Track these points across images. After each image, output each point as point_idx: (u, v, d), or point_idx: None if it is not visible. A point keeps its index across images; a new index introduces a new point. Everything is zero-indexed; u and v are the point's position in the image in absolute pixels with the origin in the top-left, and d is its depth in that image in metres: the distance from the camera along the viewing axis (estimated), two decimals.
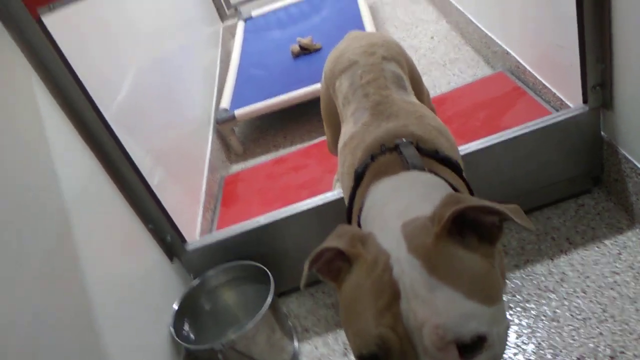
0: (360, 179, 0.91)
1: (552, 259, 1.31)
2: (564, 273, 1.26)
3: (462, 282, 0.56)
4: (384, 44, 1.16)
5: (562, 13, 1.39)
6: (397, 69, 1.11)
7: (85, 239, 1.09)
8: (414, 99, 1.08)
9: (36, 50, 1.11)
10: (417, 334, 0.54)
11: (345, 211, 0.97)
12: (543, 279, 1.27)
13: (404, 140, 0.90)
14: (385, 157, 0.89)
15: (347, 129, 1.06)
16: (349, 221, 0.96)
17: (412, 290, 0.55)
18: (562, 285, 1.24)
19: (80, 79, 1.18)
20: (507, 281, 1.29)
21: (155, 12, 2.16)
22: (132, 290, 1.21)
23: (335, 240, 0.66)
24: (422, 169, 0.84)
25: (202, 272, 1.42)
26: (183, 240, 1.45)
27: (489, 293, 0.57)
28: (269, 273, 1.32)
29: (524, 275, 1.29)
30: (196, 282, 1.40)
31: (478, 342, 0.54)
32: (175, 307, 1.33)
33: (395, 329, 0.55)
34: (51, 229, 1.00)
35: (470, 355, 0.54)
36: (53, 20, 1.12)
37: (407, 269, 0.57)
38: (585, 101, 1.33)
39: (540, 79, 1.71)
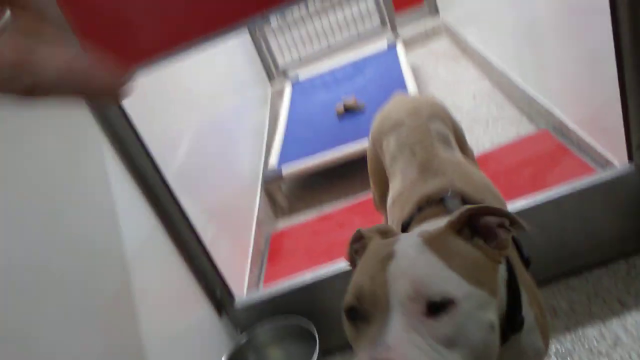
0: (405, 230, 0.95)
1: (603, 322, 1.27)
2: (617, 336, 1.23)
3: (451, 257, 0.62)
4: (427, 104, 1.22)
5: (603, 73, 1.42)
6: (442, 128, 1.16)
7: (142, 293, 1.16)
8: (460, 157, 1.11)
9: (108, 119, 1.22)
10: (394, 283, 0.60)
11: None
12: (595, 342, 1.24)
13: (449, 193, 0.94)
14: (431, 209, 0.93)
15: (395, 185, 1.11)
16: None
17: (404, 253, 0.63)
18: (615, 350, 1.20)
19: (145, 142, 1.28)
20: (559, 345, 1.27)
21: (210, 77, 2.31)
22: (183, 344, 1.26)
23: (372, 230, 0.77)
24: None
25: (249, 327, 1.46)
26: (231, 295, 1.50)
27: (478, 277, 0.62)
28: (315, 330, 1.34)
29: (574, 339, 1.26)
30: (244, 337, 1.43)
31: (447, 305, 0.58)
32: None
33: (376, 279, 0.62)
34: (112, 283, 1.07)
35: (435, 315, 0.58)
36: None
37: (408, 242, 0.65)
38: (630, 159, 1.33)
39: (584, 137, 1.72)
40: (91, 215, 1.08)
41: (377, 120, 1.30)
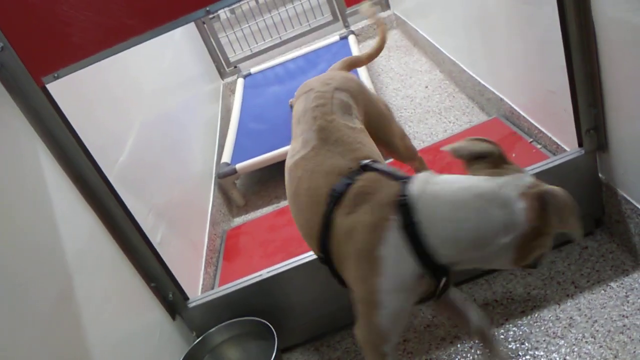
0: (336, 202, 0.98)
1: (559, 304, 1.29)
2: (571, 318, 1.24)
3: None
4: (340, 77, 1.32)
5: (552, 61, 1.43)
6: (346, 98, 1.24)
7: (87, 298, 1.09)
8: (358, 125, 1.19)
9: (40, 116, 1.14)
10: None
11: (301, 229, 1.13)
12: (551, 324, 1.25)
13: (367, 161, 1.03)
14: (364, 177, 0.99)
15: (295, 147, 1.17)
16: (308, 238, 1.11)
17: None
18: (570, 331, 1.22)
19: (84, 141, 1.21)
20: (516, 329, 1.27)
21: (157, 72, 2.23)
22: (133, 350, 1.20)
23: None
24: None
25: (205, 329, 1.40)
26: (185, 297, 1.44)
27: None
28: (272, 328, 1.30)
29: (531, 322, 1.27)
30: (198, 340, 1.38)
31: None
32: None
33: None
34: (53, 288, 1.00)
35: None
36: (58, 87, 1.16)
37: None
38: (580, 145, 1.35)
39: (535, 124, 1.74)
40: (27, 217, 1.01)
41: (300, 87, 1.38)
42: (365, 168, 1.02)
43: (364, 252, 0.93)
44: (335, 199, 0.99)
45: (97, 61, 1.13)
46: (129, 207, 1.31)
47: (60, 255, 1.06)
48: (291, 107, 2.61)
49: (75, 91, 1.38)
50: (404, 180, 0.95)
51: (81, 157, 1.20)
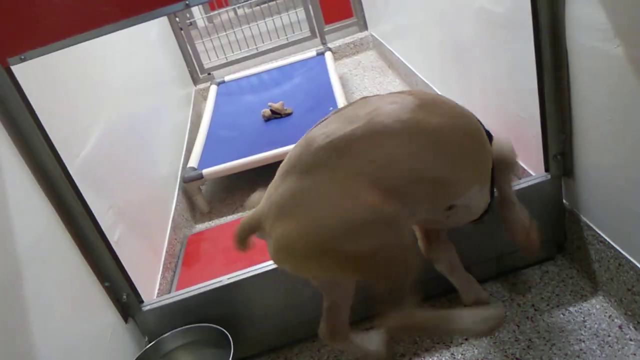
0: None
1: (518, 326, 1.29)
2: (530, 340, 1.25)
3: None
4: None
5: (523, 86, 1.46)
6: None
7: (35, 293, 1.03)
8: None
9: (2, 98, 1.09)
10: None
11: None
12: (510, 345, 1.25)
13: None
14: None
15: None
16: None
17: None
18: (529, 353, 1.22)
19: (47, 130, 1.16)
20: (475, 350, 1.27)
21: (129, 70, 2.18)
22: (82, 351, 1.13)
23: None
24: None
25: (159, 334, 1.35)
26: (140, 300, 1.38)
27: None
28: (229, 337, 1.26)
29: (490, 343, 1.27)
30: (150, 345, 1.32)
31: None
32: None
33: None
34: None
35: None
36: (24, 70, 1.11)
37: None
38: (547, 170, 1.37)
39: None
40: None
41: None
42: None
43: None
44: None
45: (67, 46, 1.09)
46: (88, 202, 1.26)
47: (10, 246, 1.01)
48: (263, 117, 2.60)
49: (42, 77, 1.33)
50: None
51: (42, 146, 1.16)
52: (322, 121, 1.04)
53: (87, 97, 1.64)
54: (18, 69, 1.10)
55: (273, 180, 1.04)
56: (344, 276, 1.04)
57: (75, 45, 1.09)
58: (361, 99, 1.09)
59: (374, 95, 1.10)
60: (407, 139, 0.97)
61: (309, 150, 0.98)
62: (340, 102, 2.49)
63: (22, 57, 1.08)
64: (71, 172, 1.22)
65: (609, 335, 1.20)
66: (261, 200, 1.04)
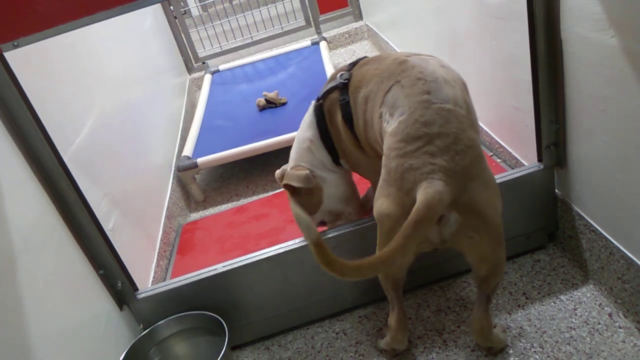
0: None
1: (509, 314, 1.31)
2: (521, 328, 1.26)
3: None
4: None
5: (518, 77, 1.47)
6: None
7: (30, 280, 1.03)
8: None
9: None
10: None
11: None
12: None
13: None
14: None
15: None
16: None
17: None
18: (520, 340, 1.23)
19: (41, 117, 1.15)
20: (466, 335, 1.28)
21: (123, 59, 2.17)
22: (77, 339, 1.14)
23: None
24: None
25: (154, 322, 1.36)
26: (135, 288, 1.39)
27: None
28: (224, 324, 1.27)
29: None
30: (145, 332, 1.33)
31: None
32: (121, 358, 1.25)
33: None
34: None
35: None
36: (18, 57, 1.10)
37: None
38: (540, 160, 1.38)
39: (497, 138, 1.78)
40: None
41: None
42: None
43: None
44: None
45: (60, 33, 1.08)
46: (82, 190, 1.26)
47: (4, 234, 1.01)
48: (258, 106, 2.60)
49: (36, 65, 1.33)
50: None
51: (36, 132, 1.15)
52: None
53: (81, 85, 1.64)
54: (11, 56, 1.09)
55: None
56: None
57: (69, 33, 1.08)
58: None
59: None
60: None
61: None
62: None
63: (15, 43, 1.08)
64: (65, 160, 1.22)
65: (599, 323, 1.22)
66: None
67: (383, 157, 1.05)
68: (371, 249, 1.08)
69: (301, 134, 1.42)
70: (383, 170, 1.03)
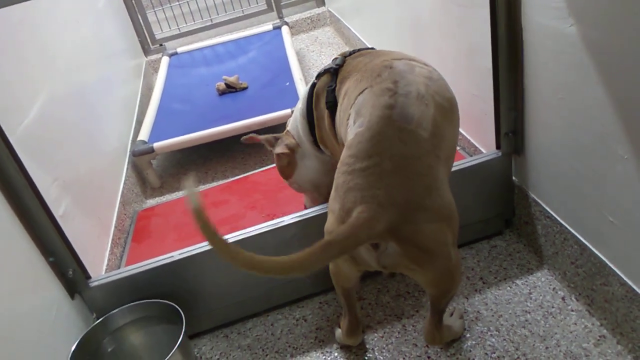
0: None
1: (467, 298, 1.33)
2: (478, 312, 1.29)
3: None
4: None
5: (479, 64, 1.48)
6: None
7: None
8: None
9: None
10: None
11: None
12: None
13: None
14: None
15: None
16: None
17: None
18: (477, 324, 1.26)
19: None
20: (424, 321, 1.29)
21: (74, 39, 2.07)
22: (26, 328, 1.09)
23: None
24: None
25: (108, 311, 1.31)
26: (87, 276, 1.33)
27: None
28: (181, 312, 1.24)
29: None
30: (98, 322, 1.28)
31: None
32: (73, 349, 1.20)
33: None
34: None
35: None
36: None
37: None
38: (498, 147, 1.40)
39: None
40: None
41: None
42: None
43: None
44: None
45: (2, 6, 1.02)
46: (30, 173, 1.19)
47: None
48: (218, 90, 2.54)
49: None
50: None
51: None
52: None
53: (29, 64, 1.55)
54: None
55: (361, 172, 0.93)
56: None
57: (14, 10, 1.02)
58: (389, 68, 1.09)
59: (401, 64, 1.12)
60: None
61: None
62: (297, 77, 2.46)
63: None
64: (12, 142, 1.15)
65: (553, 307, 1.25)
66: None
67: (337, 168, 1.01)
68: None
69: (297, 105, 1.43)
70: (334, 183, 0.98)
